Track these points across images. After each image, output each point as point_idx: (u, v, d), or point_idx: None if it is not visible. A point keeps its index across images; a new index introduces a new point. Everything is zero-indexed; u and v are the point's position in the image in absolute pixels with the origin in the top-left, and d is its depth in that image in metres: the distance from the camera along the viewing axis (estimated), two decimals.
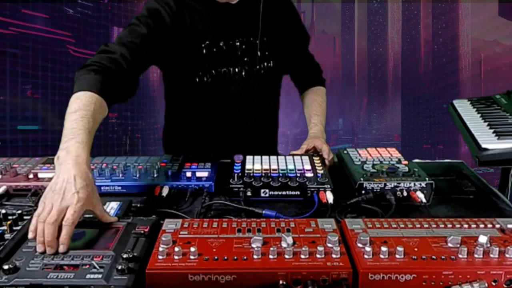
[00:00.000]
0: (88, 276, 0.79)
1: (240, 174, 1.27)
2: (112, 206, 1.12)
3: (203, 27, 1.47)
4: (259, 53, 1.53)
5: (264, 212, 1.12)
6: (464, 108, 1.66)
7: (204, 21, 1.47)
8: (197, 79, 1.51)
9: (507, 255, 0.84)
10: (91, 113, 1.07)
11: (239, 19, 1.50)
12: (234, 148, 1.56)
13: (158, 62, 1.52)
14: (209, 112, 1.60)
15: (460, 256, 0.84)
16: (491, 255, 0.84)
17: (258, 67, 1.55)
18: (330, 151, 1.48)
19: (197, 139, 1.67)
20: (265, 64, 1.57)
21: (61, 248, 0.87)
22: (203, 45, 1.47)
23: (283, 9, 1.62)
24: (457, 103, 1.72)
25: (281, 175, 1.27)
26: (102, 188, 1.26)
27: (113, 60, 1.25)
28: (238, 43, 1.51)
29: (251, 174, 1.26)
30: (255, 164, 1.34)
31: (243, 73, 1.54)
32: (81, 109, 1.07)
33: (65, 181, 0.93)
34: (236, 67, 1.53)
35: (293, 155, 1.45)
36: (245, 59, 1.53)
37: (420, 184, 1.20)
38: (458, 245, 0.87)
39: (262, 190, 1.22)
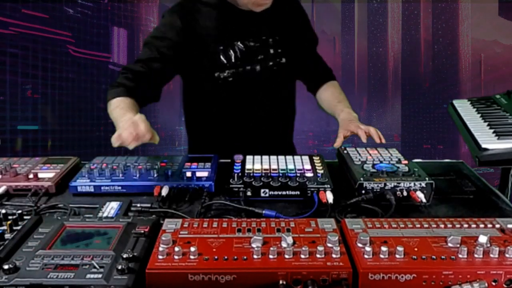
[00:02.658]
0: (88, 276, 0.79)
1: (240, 174, 1.27)
2: (112, 206, 1.12)
3: (219, 30, 1.54)
4: (271, 50, 1.60)
5: (264, 212, 1.12)
6: (464, 108, 1.65)
7: (220, 25, 1.54)
8: (215, 80, 1.57)
9: (507, 255, 0.84)
10: (131, 103, 1.40)
11: (253, 20, 1.56)
12: (250, 145, 1.60)
13: (179, 70, 1.61)
14: (228, 110, 1.66)
15: (460, 256, 0.84)
16: (491, 255, 0.84)
17: (271, 63, 1.61)
18: (365, 127, 1.44)
19: (220, 139, 1.71)
20: (278, 60, 1.62)
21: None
22: (219, 48, 1.54)
23: (293, 10, 1.68)
24: (457, 103, 1.71)
25: (281, 175, 1.27)
26: (102, 188, 1.26)
27: (134, 79, 1.47)
28: (252, 43, 1.57)
29: (251, 174, 1.27)
30: (255, 164, 1.34)
31: (257, 70, 1.59)
32: (121, 103, 1.39)
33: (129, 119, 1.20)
34: (251, 65, 1.59)
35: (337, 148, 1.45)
36: (259, 57, 1.59)
37: (420, 184, 1.20)
38: (458, 245, 0.87)
39: (262, 190, 1.22)
